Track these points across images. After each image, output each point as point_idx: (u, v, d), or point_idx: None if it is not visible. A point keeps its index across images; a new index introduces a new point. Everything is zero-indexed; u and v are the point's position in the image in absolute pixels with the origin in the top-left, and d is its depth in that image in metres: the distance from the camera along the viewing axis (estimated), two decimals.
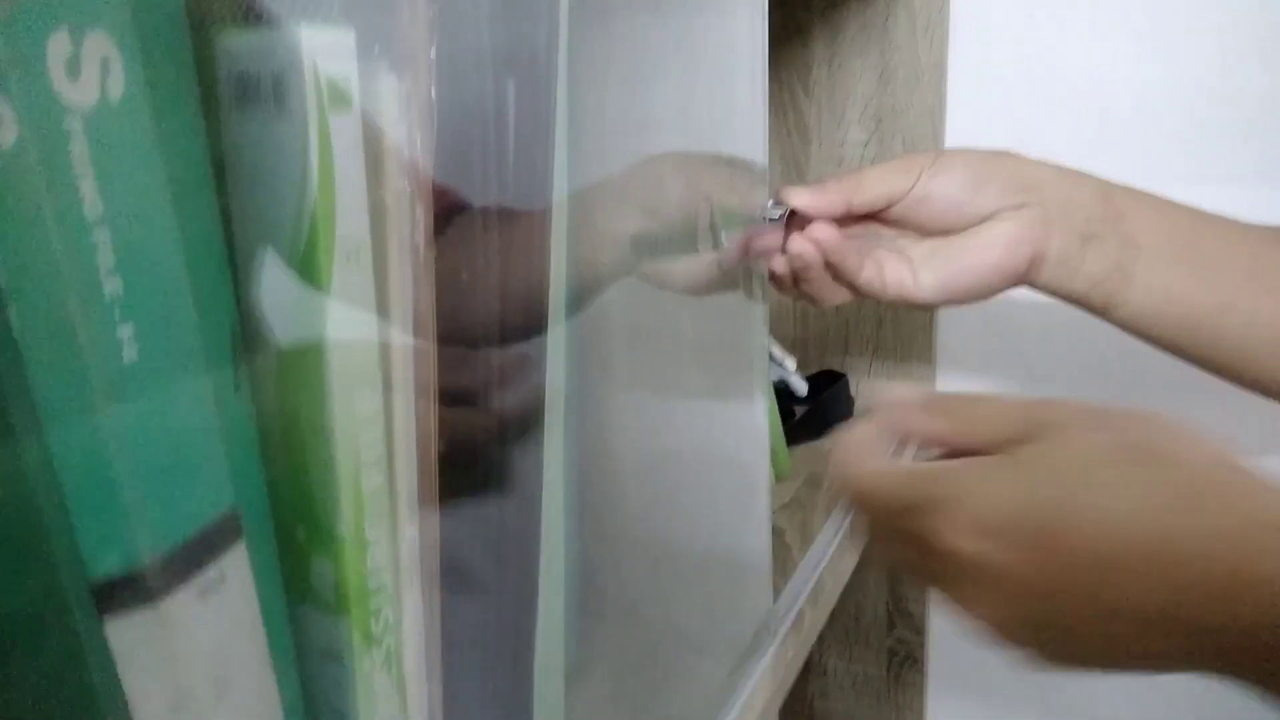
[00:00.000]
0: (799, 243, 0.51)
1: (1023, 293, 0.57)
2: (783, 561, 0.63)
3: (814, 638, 0.60)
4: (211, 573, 0.26)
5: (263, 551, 0.29)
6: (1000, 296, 0.55)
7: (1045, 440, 0.34)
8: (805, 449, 0.83)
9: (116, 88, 0.24)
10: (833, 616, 0.98)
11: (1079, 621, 0.32)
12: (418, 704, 0.34)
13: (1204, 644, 0.31)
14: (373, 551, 0.32)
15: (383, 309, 0.32)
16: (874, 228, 0.55)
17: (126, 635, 0.24)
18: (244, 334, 0.30)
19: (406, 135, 0.32)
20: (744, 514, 0.54)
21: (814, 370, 0.94)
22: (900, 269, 0.53)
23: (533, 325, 0.38)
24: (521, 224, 0.37)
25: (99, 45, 0.23)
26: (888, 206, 0.53)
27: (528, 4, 0.37)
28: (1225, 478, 0.32)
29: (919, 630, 0.98)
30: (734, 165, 0.49)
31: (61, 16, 0.22)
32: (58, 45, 0.22)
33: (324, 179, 0.29)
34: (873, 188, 0.52)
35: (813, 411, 0.86)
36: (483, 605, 0.39)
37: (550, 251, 0.39)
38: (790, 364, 0.87)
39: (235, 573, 0.27)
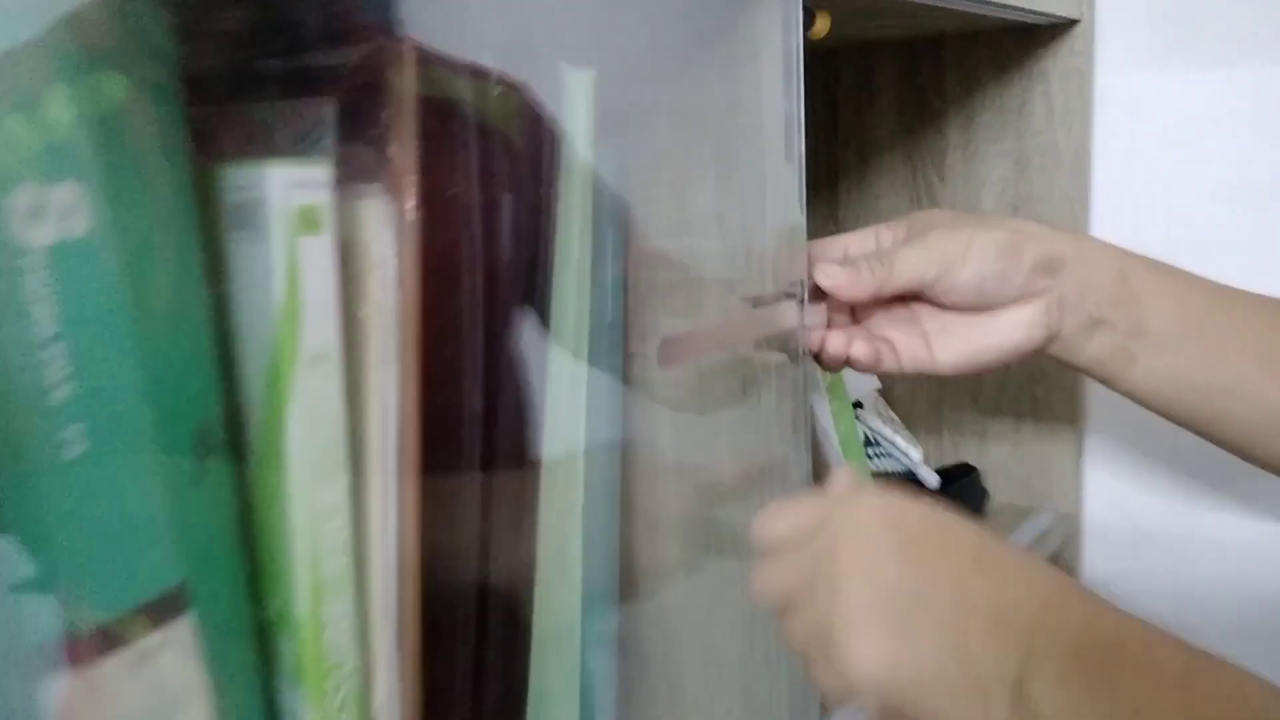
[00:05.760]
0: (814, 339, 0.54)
1: None
2: None
3: None
4: (147, 644, 0.30)
5: (218, 624, 0.33)
6: None
7: None
8: None
9: (79, 228, 0.28)
10: None
11: (933, 589, 0.39)
12: None
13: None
14: (331, 631, 0.35)
15: (355, 410, 0.35)
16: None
17: (58, 696, 0.28)
18: (227, 429, 0.34)
19: (386, 252, 0.36)
20: None
21: (949, 463, 0.91)
22: (915, 346, 0.55)
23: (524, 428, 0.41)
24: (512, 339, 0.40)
25: (65, 194, 0.28)
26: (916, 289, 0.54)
27: (535, 130, 0.40)
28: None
29: None
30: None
31: (29, 174, 0.27)
32: (23, 197, 0.27)
33: (290, 293, 0.33)
34: (903, 276, 0.52)
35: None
36: (469, 689, 0.41)
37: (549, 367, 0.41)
38: (916, 454, 0.84)
39: (176, 644, 0.31)
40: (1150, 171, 0.79)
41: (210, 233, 0.34)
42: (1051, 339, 0.54)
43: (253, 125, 0.35)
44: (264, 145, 0.35)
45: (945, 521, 0.41)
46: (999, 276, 0.52)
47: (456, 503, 0.38)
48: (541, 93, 0.43)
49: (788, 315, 0.48)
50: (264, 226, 0.33)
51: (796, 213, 0.47)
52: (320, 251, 0.34)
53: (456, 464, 0.38)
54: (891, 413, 0.90)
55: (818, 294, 0.52)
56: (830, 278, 0.51)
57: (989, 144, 0.82)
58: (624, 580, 0.50)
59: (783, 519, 0.43)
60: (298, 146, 0.34)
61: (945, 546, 0.40)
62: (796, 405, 0.50)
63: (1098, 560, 0.90)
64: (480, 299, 0.39)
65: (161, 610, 0.30)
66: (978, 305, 0.54)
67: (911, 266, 0.52)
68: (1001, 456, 0.89)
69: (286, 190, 0.32)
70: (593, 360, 0.46)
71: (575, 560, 0.43)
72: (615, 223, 0.48)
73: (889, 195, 0.88)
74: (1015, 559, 0.40)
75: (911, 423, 0.93)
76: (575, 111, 0.43)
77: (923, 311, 0.56)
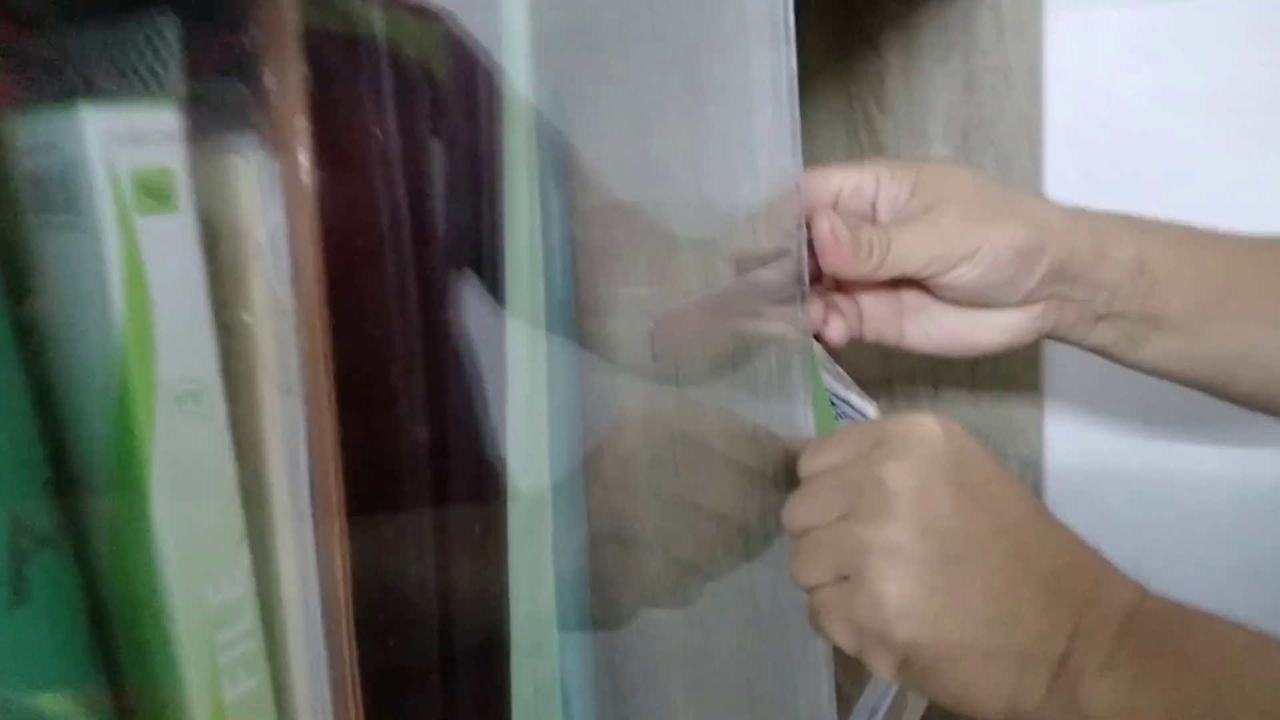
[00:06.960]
0: None
1: None
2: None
3: None
4: None
5: None
6: None
7: None
8: None
9: None
10: None
11: (989, 538, 0.35)
12: None
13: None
14: None
15: (248, 464, 0.25)
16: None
17: None
18: (62, 515, 0.22)
19: (274, 232, 0.25)
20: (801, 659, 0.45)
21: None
22: (884, 318, 0.49)
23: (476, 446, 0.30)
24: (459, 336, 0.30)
25: None
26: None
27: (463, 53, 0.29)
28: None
29: None
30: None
31: None
32: None
33: (134, 304, 0.22)
34: (901, 266, 0.44)
35: None
36: None
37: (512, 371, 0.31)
38: (872, 410, 0.77)
39: None
40: (1109, 88, 0.72)
41: (8, 218, 0.22)
42: (1042, 336, 0.50)
43: (60, 56, 0.24)
44: (78, 84, 0.24)
45: (1003, 468, 0.38)
46: (1007, 284, 0.46)
47: (404, 574, 0.28)
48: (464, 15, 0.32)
49: (785, 277, 0.39)
50: (85, 203, 0.21)
51: (789, 149, 0.38)
52: (174, 237, 0.23)
53: (398, 519, 0.27)
54: (839, 368, 0.82)
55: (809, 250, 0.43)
56: (826, 253, 0.42)
57: (934, 64, 0.74)
58: (598, 619, 0.40)
59: (826, 450, 0.39)
60: (128, 83, 0.23)
61: (1005, 495, 0.37)
62: (798, 381, 0.41)
63: (1060, 507, 0.84)
64: (411, 288, 0.28)
65: None
66: (971, 304, 0.48)
67: (913, 257, 0.44)
68: (957, 406, 0.83)
69: (114, 146, 0.21)
70: (548, 351, 0.36)
71: (550, 622, 0.33)
72: (559, 173, 0.38)
73: (824, 129, 0.79)
74: (1063, 523, 0.38)
75: (859, 376, 0.85)
76: (511, 34, 0.32)
77: (907, 289, 0.49)
